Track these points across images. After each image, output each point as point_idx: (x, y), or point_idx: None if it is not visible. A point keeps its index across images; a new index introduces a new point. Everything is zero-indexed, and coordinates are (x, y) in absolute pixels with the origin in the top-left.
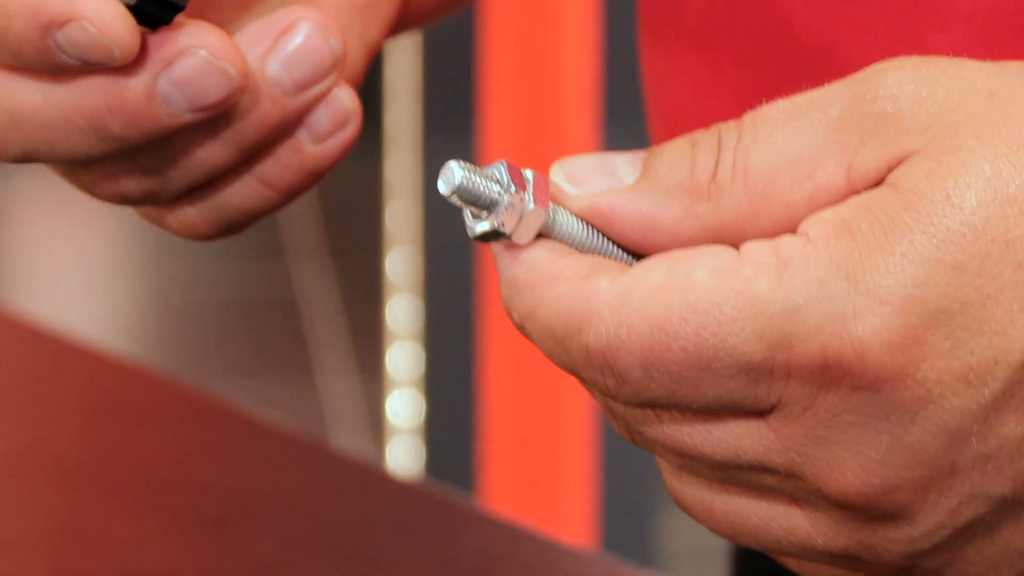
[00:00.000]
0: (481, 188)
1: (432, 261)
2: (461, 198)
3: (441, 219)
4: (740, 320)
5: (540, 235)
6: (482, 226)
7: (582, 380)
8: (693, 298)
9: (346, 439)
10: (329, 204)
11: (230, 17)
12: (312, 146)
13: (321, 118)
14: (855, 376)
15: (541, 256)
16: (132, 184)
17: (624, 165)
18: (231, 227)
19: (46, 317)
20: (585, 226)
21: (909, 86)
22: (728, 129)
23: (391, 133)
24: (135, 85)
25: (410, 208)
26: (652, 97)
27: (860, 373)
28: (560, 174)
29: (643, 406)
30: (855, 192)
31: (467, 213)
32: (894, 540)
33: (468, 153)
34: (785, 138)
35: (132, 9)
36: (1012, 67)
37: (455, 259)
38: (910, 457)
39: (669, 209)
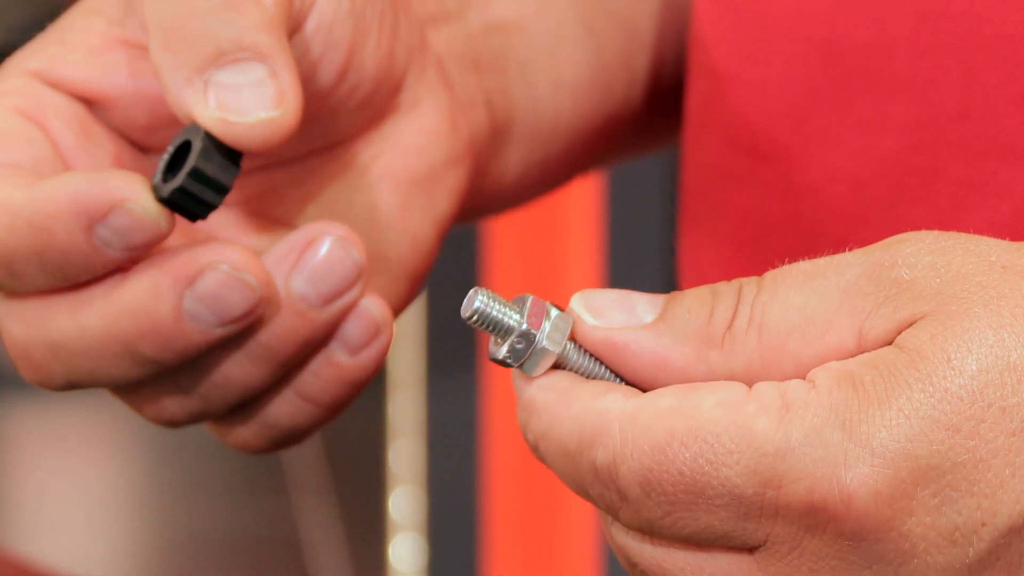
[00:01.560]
0: (499, 317)
1: (435, 500)
2: (478, 324)
3: (444, 459)
4: (736, 453)
5: (556, 367)
6: (495, 353)
7: (591, 499)
8: (695, 425)
9: None
10: (332, 442)
11: (292, 211)
12: (347, 358)
13: (352, 330)
14: (839, 522)
15: (559, 380)
16: (175, 406)
17: (644, 304)
18: (283, 442)
19: (46, 554)
20: (597, 364)
21: (927, 257)
22: (749, 283)
23: (394, 373)
24: (162, 307)
25: (413, 447)
26: (689, 285)
27: (844, 520)
28: (581, 303)
29: (642, 527)
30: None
31: (492, 338)
32: None
33: (471, 394)
34: (802, 297)
35: (167, 203)
36: None
37: (458, 499)
38: None
39: (682, 353)
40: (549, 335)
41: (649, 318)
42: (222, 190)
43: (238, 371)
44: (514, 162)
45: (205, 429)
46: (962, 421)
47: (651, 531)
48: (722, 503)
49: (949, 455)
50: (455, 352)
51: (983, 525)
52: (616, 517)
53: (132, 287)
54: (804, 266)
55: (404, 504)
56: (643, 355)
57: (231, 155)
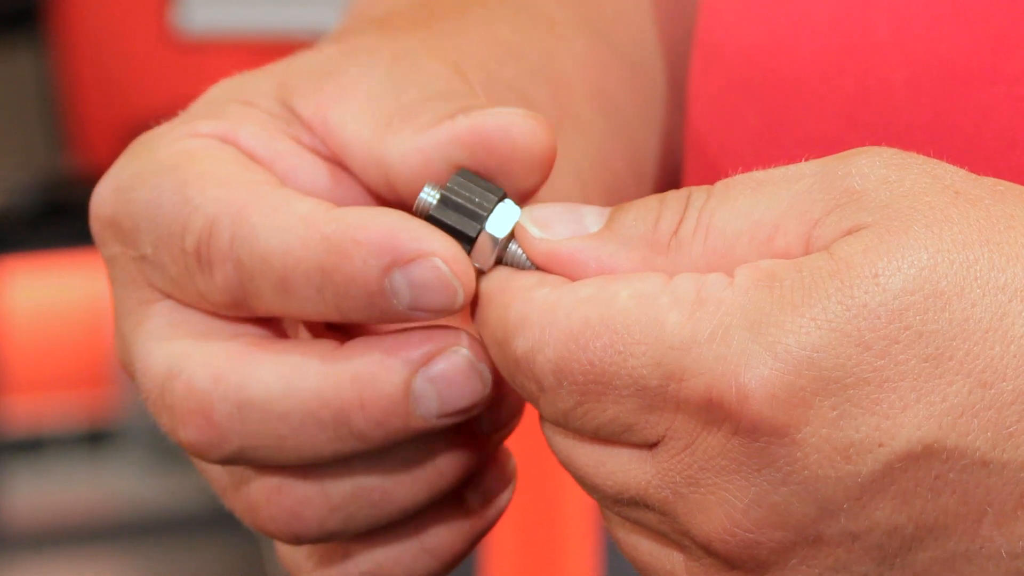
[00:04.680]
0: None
1: None
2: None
3: None
4: (644, 345)
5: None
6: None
7: (518, 389)
8: (609, 316)
9: None
10: None
11: None
12: (480, 505)
13: (492, 475)
14: (735, 420)
15: (500, 272)
16: (314, 517)
17: (592, 215)
18: None
19: None
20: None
21: (881, 170)
22: (699, 191)
23: None
24: (392, 379)
25: None
26: None
27: (739, 419)
28: (528, 217)
29: (558, 419)
30: None
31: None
32: None
33: None
34: (751, 203)
35: (433, 219)
36: (987, 179)
37: None
38: (775, 516)
39: (628, 259)
40: (492, 221)
41: (595, 228)
42: (478, 218)
43: (400, 492)
44: None
45: None
46: (875, 339)
47: (566, 423)
48: (628, 393)
49: (855, 370)
50: None
51: (880, 446)
52: (537, 407)
53: (362, 354)
54: (757, 174)
55: None
56: (588, 264)
57: (489, 187)
